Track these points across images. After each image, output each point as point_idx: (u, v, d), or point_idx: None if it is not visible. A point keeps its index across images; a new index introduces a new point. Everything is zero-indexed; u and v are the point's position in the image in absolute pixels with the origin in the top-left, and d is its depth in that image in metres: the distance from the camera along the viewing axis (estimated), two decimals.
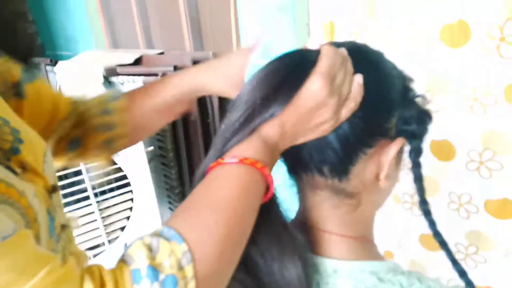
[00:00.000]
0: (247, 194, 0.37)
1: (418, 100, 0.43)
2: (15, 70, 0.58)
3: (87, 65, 1.51)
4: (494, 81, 0.76)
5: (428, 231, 1.02)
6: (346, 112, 0.38)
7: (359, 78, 0.38)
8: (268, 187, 0.39)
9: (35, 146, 0.50)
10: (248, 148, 0.38)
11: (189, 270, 0.33)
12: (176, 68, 1.35)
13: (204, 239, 0.34)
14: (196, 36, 1.49)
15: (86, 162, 0.75)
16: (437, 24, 0.78)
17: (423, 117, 0.42)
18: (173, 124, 1.49)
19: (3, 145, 0.45)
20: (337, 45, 0.40)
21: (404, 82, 0.42)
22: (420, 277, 0.39)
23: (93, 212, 1.52)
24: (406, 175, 1.01)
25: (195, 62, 1.38)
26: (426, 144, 0.90)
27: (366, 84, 0.38)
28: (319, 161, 0.40)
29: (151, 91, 0.69)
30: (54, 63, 1.78)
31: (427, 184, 1.00)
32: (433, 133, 0.89)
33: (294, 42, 1.07)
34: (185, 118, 1.46)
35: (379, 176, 0.41)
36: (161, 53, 1.51)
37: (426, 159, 0.91)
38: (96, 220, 1.53)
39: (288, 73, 0.38)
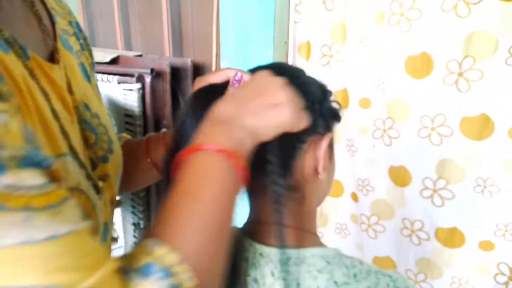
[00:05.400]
0: (231, 193, 0.39)
1: (334, 104, 0.51)
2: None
3: None
4: (451, 114, 0.80)
5: (382, 254, 1.04)
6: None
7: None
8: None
9: (118, 159, 0.56)
10: (213, 132, 0.40)
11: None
12: (153, 71, 1.35)
13: (198, 252, 0.36)
14: (176, 44, 1.50)
15: None
16: (402, 54, 0.82)
17: (338, 116, 0.51)
18: (144, 128, 1.47)
19: (98, 151, 0.51)
20: (262, 66, 0.49)
21: (322, 90, 0.49)
22: (362, 261, 0.45)
23: None
24: (364, 197, 1.03)
25: (173, 68, 1.38)
26: (384, 170, 0.93)
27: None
28: (263, 162, 0.43)
29: (141, 145, 0.67)
30: None
31: (383, 208, 1.02)
32: (391, 159, 0.92)
33: (272, 58, 1.09)
34: (157, 125, 1.44)
35: (317, 169, 0.47)
36: (139, 55, 1.51)
37: (384, 183, 0.94)
38: None
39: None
